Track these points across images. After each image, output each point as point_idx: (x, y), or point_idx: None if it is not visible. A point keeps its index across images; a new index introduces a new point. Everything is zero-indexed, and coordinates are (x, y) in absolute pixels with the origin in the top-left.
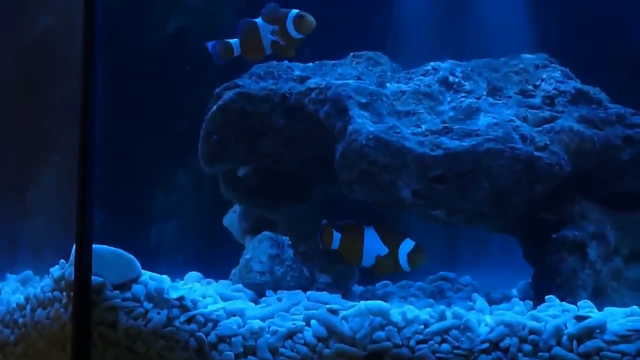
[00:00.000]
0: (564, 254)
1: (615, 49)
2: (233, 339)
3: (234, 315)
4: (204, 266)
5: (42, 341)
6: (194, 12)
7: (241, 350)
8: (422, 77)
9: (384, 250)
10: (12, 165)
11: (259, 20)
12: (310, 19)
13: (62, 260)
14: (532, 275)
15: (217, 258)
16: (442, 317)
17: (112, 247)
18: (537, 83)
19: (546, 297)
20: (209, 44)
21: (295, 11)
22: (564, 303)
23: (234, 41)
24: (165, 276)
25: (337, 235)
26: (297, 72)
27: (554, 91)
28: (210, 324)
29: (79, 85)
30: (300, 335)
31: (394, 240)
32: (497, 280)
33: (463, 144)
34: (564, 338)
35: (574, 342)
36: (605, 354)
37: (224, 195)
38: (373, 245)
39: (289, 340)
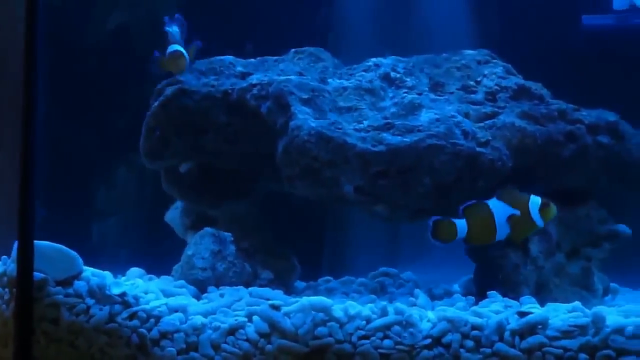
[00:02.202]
0: (506, 249)
1: (557, 45)
2: (175, 335)
3: (176, 311)
4: (146, 262)
5: None
6: (135, 9)
7: (183, 346)
8: (363, 73)
9: (515, 214)
10: None
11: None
12: (176, 60)
13: (4, 257)
14: (474, 270)
15: (159, 254)
16: (384, 313)
17: (54, 244)
18: (479, 79)
19: (488, 292)
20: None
21: (171, 48)
22: (506, 299)
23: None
24: (107, 272)
25: (461, 223)
26: (239, 68)
27: (496, 87)
28: (152, 320)
29: (20, 82)
30: (242, 331)
31: (521, 199)
32: (439, 276)
33: (405, 139)
34: (507, 334)
35: (517, 338)
36: (548, 350)
37: (166, 192)
38: (504, 214)
39: (231, 336)
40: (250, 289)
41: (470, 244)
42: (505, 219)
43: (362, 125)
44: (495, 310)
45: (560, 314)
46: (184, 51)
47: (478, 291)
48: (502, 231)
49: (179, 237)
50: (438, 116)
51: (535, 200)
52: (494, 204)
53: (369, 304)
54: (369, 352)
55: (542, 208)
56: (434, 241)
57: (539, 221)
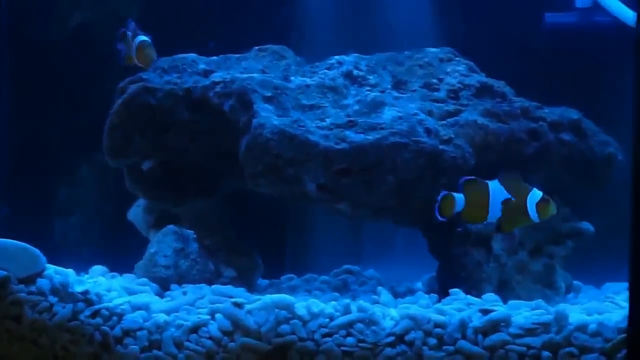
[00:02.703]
0: (468, 247)
1: (520, 42)
2: (138, 332)
3: (139, 309)
4: (108, 260)
5: None
6: (98, 6)
7: (146, 344)
8: (326, 71)
9: (510, 199)
10: None
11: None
12: (147, 52)
13: None
14: (437, 268)
15: (122, 252)
16: (347, 310)
17: (16, 241)
18: (442, 77)
19: (451, 290)
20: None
21: (138, 39)
22: (468, 296)
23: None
24: (70, 270)
25: (459, 197)
26: (201, 66)
27: (459, 85)
28: (115, 318)
29: None
30: (205, 328)
31: (522, 189)
32: (402, 274)
33: (368, 137)
34: (469, 331)
35: (479, 336)
36: (511, 347)
37: (129, 189)
38: (499, 196)
39: (194, 334)
40: (213, 286)
41: (464, 221)
42: (499, 203)
43: (325, 123)
44: (458, 307)
45: (523, 311)
46: (150, 42)
47: (441, 289)
48: (494, 213)
49: (141, 235)
50: (401, 114)
51: (536, 194)
52: (493, 185)
53: (332, 302)
54: (332, 350)
55: (541, 203)
56: (438, 216)
57: (533, 214)
